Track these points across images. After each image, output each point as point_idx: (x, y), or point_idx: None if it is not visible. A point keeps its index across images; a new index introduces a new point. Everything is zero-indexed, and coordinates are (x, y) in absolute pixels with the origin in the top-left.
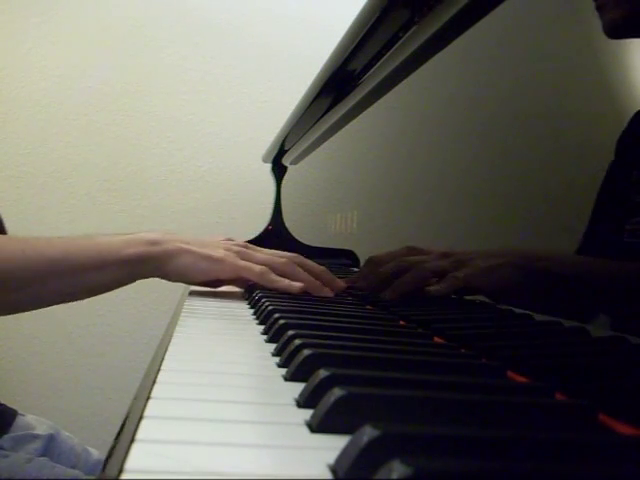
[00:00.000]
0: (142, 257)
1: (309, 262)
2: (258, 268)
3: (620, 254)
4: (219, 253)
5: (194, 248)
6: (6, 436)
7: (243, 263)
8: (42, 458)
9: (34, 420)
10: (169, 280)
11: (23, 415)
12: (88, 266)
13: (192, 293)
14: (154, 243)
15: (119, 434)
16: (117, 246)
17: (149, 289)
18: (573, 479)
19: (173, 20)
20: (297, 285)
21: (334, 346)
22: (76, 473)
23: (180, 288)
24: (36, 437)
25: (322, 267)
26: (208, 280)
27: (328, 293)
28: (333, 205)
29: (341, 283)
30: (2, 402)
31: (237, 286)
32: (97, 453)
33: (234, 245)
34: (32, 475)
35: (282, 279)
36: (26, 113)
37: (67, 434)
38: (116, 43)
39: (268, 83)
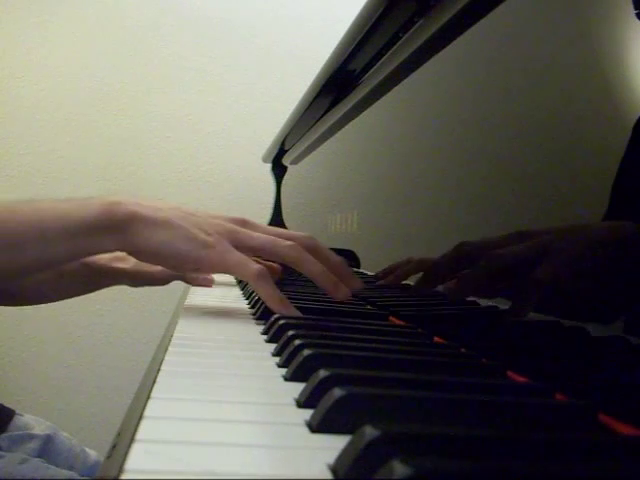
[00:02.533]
0: (97, 222)
1: (324, 248)
2: (255, 268)
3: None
4: (208, 236)
5: (175, 220)
6: (3, 435)
7: (235, 257)
8: (37, 459)
9: (32, 420)
10: (135, 257)
11: (21, 415)
12: (27, 237)
13: (191, 296)
14: (114, 204)
15: (119, 434)
16: (64, 211)
17: (149, 289)
18: (573, 479)
19: (173, 20)
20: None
21: (334, 346)
22: (71, 474)
23: (181, 287)
24: (33, 437)
25: (339, 258)
26: (183, 268)
27: (342, 292)
28: (333, 205)
29: (359, 282)
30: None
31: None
32: (95, 454)
33: (226, 221)
34: (26, 476)
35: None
36: (26, 113)
37: (65, 435)
38: (116, 43)
39: (268, 83)
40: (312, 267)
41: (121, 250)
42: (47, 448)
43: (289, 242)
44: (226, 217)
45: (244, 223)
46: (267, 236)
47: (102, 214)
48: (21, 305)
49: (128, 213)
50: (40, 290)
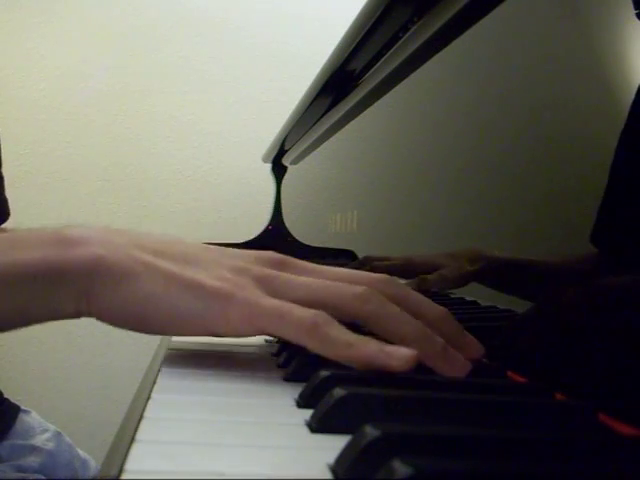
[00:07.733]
0: (37, 273)
1: (413, 294)
2: (307, 316)
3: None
4: (221, 280)
5: (162, 263)
6: (5, 442)
7: (268, 304)
8: (35, 476)
9: (36, 423)
10: (110, 323)
11: (25, 412)
12: None
13: None
14: (69, 243)
15: (119, 434)
16: None
17: None
18: (573, 479)
19: (173, 20)
20: (402, 355)
21: None
22: None
23: None
24: (35, 449)
25: (441, 309)
26: (190, 334)
27: (459, 365)
28: (333, 205)
29: (479, 348)
30: (5, 397)
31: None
32: (95, 465)
33: (254, 263)
34: None
35: (360, 341)
36: (26, 113)
37: (68, 441)
38: (116, 43)
39: (268, 83)
40: (404, 326)
41: (87, 315)
42: (48, 463)
43: (359, 287)
44: (253, 254)
45: (282, 263)
46: (322, 281)
47: (48, 259)
48: None
49: (89, 257)
50: None
